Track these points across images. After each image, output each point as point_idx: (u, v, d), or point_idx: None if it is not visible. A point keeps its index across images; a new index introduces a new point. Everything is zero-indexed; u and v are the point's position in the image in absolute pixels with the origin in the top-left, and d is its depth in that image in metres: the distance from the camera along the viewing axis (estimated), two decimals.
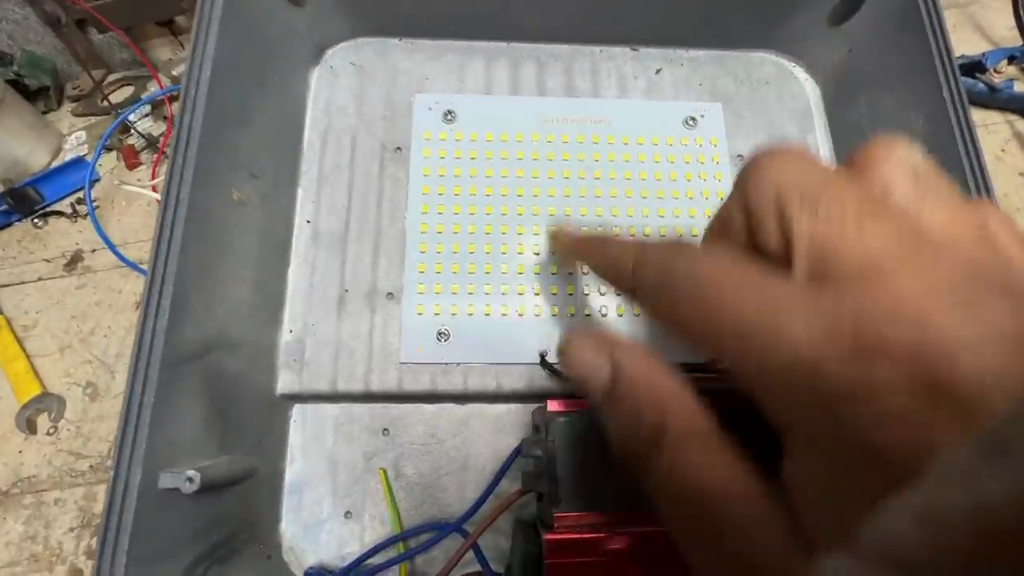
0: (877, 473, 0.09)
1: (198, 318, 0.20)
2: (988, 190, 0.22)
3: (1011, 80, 0.38)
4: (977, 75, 0.38)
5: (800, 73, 0.30)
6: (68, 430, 0.34)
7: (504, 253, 0.26)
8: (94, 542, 0.31)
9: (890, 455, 0.09)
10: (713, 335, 0.12)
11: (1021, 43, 0.42)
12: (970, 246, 0.12)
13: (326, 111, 0.28)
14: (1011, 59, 0.39)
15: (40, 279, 0.41)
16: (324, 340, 0.25)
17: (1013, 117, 0.39)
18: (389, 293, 0.25)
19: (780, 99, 0.29)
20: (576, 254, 0.20)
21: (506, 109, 0.28)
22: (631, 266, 0.14)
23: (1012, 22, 0.43)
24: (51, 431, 0.34)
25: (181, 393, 0.20)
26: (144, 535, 0.18)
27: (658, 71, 0.29)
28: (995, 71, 0.39)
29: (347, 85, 0.28)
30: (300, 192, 0.26)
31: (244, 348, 0.23)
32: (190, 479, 0.18)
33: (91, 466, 0.33)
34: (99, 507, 0.32)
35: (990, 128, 0.39)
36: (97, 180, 0.47)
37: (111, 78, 0.57)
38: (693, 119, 0.28)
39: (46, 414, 0.34)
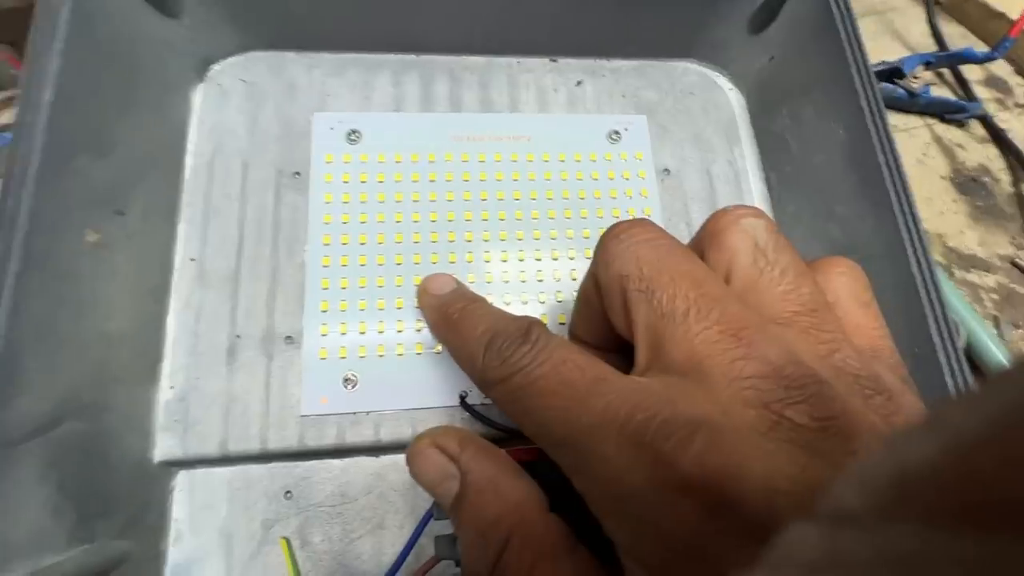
0: None
1: (39, 388, 0.17)
2: (908, 197, 0.21)
3: (928, 85, 0.39)
4: (896, 80, 0.39)
5: (724, 82, 0.29)
6: None
7: (417, 285, 0.23)
8: None
9: (689, 569, 0.10)
10: (547, 446, 0.12)
11: (936, 48, 0.43)
12: (797, 331, 0.12)
13: (212, 134, 0.25)
14: (927, 64, 0.40)
15: None
16: (212, 395, 0.22)
17: (932, 121, 0.40)
18: (288, 337, 0.22)
19: (705, 110, 0.28)
20: (434, 332, 0.20)
21: (416, 127, 0.26)
22: (480, 359, 0.14)
23: (927, 28, 0.45)
24: None
25: (16, 481, 0.16)
26: None
27: (579, 83, 0.28)
28: (913, 76, 0.39)
29: (237, 104, 0.25)
30: (182, 227, 0.23)
31: (109, 414, 0.19)
32: None
33: None
34: None
35: (912, 132, 0.39)
36: None
37: (1, 96, 0.51)
38: (617, 133, 0.27)
39: None
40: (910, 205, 0.21)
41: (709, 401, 0.10)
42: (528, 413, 0.12)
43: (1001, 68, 0.42)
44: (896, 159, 0.22)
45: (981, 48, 0.39)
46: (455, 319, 0.17)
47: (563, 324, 0.24)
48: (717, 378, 0.11)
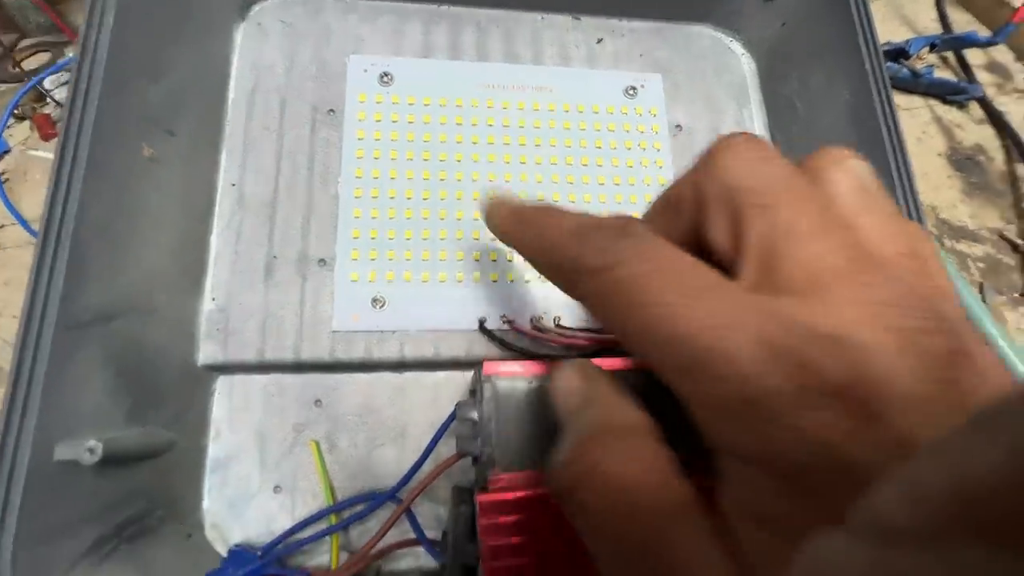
0: (808, 502, 0.09)
1: (100, 282, 0.19)
2: (906, 163, 0.23)
3: (931, 66, 0.41)
4: (901, 61, 0.40)
5: (737, 47, 0.31)
6: None
7: (442, 219, 0.25)
8: None
9: (821, 483, 0.09)
10: (650, 345, 0.11)
11: (942, 32, 0.44)
12: (907, 270, 0.12)
13: (252, 70, 0.26)
14: (932, 46, 0.41)
15: None
16: (250, 308, 0.23)
17: (933, 102, 0.41)
18: (321, 260, 0.24)
19: (717, 73, 0.30)
20: (510, 233, 0.17)
21: (446, 73, 0.27)
22: (573, 253, 0.13)
23: (935, 14, 0.46)
24: None
25: (81, 360, 0.18)
26: (36, 513, 0.16)
27: (599, 40, 0.29)
28: (918, 57, 0.41)
29: (276, 44, 0.27)
30: (224, 154, 0.25)
31: (160, 316, 0.21)
32: (91, 450, 0.17)
33: None
34: None
35: (913, 112, 0.41)
36: (7, 152, 0.43)
37: (25, 43, 0.52)
38: (633, 88, 0.29)
39: None
40: (906, 166, 0.23)
41: (842, 318, 0.10)
42: (630, 307, 0.11)
43: (1003, 55, 0.44)
44: (896, 122, 0.24)
45: (986, 35, 0.41)
46: (534, 216, 0.15)
47: None
48: (846, 299, 0.10)
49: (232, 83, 0.26)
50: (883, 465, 0.09)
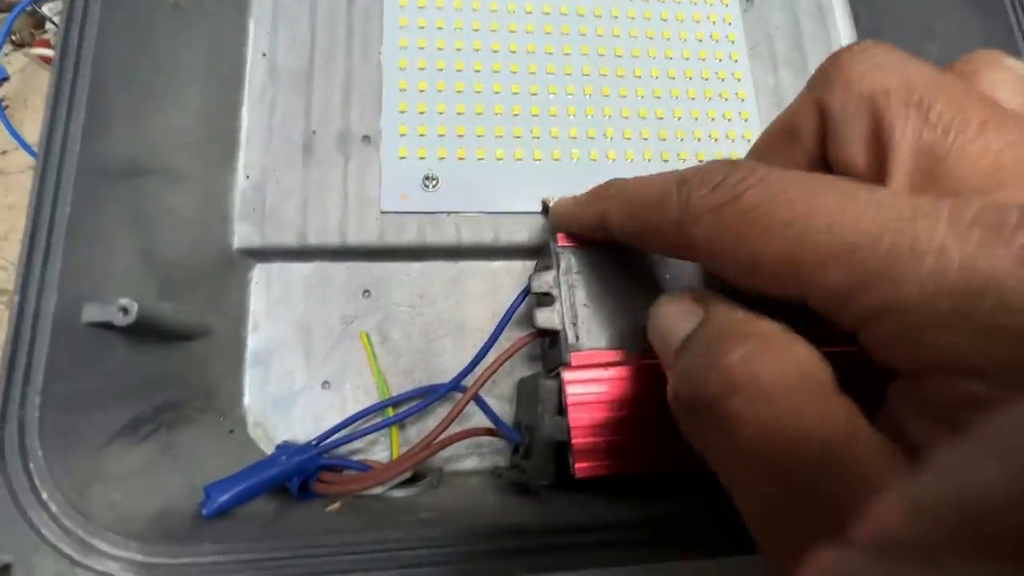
0: None
1: (125, 128, 0.16)
2: None
3: None
4: None
5: None
6: None
7: (497, 92, 0.22)
8: None
9: None
10: (805, 270, 0.09)
11: None
12: None
13: None
14: None
15: None
16: (289, 188, 0.21)
17: None
18: (365, 136, 0.22)
19: None
20: (587, 211, 0.15)
21: None
22: (674, 194, 0.11)
23: None
24: None
25: (107, 213, 0.16)
26: (65, 377, 0.14)
27: None
28: None
29: None
30: (252, 22, 0.22)
31: (190, 185, 0.19)
32: (124, 309, 0.15)
33: None
34: None
35: None
36: (6, 79, 0.40)
37: None
38: None
39: None
40: None
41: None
42: (769, 233, 0.10)
43: None
44: None
45: None
46: (621, 185, 0.14)
47: (645, 139, 0.23)
48: None
49: None
50: None
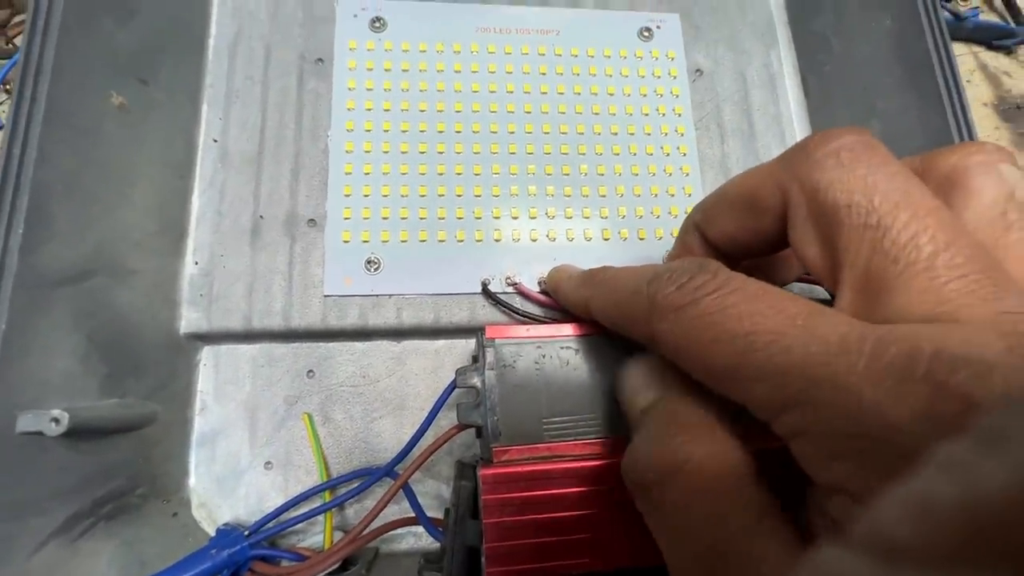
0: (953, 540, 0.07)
1: (67, 237, 0.17)
2: (957, 81, 0.20)
3: (976, 9, 0.37)
4: (943, 3, 0.37)
5: None
6: None
7: (441, 174, 0.23)
8: None
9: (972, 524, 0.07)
10: (745, 380, 0.10)
11: None
12: None
13: (234, 17, 0.24)
14: None
15: None
16: (236, 273, 0.22)
17: (978, 48, 0.38)
18: (311, 220, 0.22)
19: (742, 10, 0.27)
20: (577, 293, 0.17)
21: (443, 17, 0.25)
22: (644, 290, 0.12)
23: None
24: None
25: (46, 323, 0.17)
26: None
27: None
28: (960, 0, 0.37)
29: None
30: (205, 108, 0.23)
31: (137, 279, 0.20)
32: (56, 420, 0.16)
33: None
34: None
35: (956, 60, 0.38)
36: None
37: (17, 19, 0.51)
38: (648, 30, 0.26)
39: None
40: (959, 92, 0.20)
41: (986, 345, 0.09)
42: (718, 341, 0.10)
43: None
44: (947, 45, 0.21)
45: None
46: (605, 275, 0.15)
47: (587, 218, 0.23)
48: (986, 329, 0.09)
49: (212, 31, 0.24)
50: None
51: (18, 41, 0.47)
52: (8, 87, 0.43)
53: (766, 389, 0.10)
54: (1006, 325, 0.09)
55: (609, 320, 0.15)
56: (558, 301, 0.18)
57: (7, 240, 0.16)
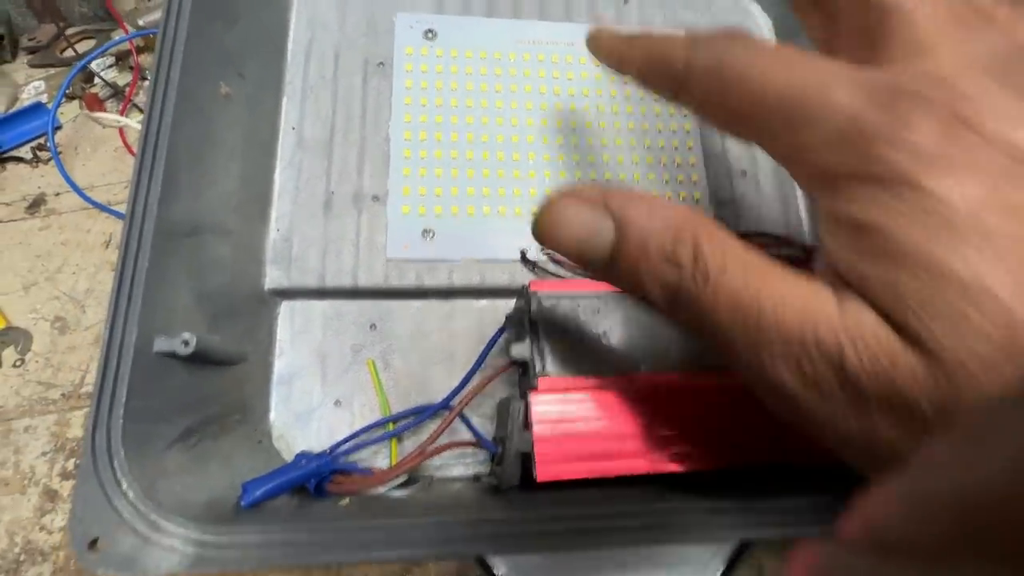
0: (917, 205, 0.10)
1: (188, 198, 0.21)
2: None
3: None
4: None
5: (755, 9, 0.33)
6: (36, 362, 0.33)
7: (485, 159, 0.27)
8: (69, 464, 0.30)
9: (925, 181, 0.10)
10: (759, 116, 0.13)
11: None
12: (1011, 24, 0.12)
13: (309, 26, 0.28)
14: None
15: None
16: (311, 238, 0.25)
17: None
18: (375, 196, 0.26)
19: (747, 28, 0.32)
20: (619, 53, 0.18)
21: (483, 29, 0.29)
22: (683, 53, 0.14)
23: None
24: (18, 363, 0.33)
25: (174, 264, 0.20)
26: (140, 395, 0.18)
27: (626, 1, 0.31)
28: None
29: (329, 2, 0.29)
30: (285, 100, 0.27)
31: (233, 238, 0.23)
32: (185, 342, 0.19)
33: (63, 394, 0.32)
34: (72, 432, 0.31)
35: None
36: (59, 127, 0.46)
37: (69, 32, 0.55)
38: None
39: (12, 347, 0.33)
40: None
41: (939, 65, 0.11)
42: (741, 84, 0.13)
43: None
44: None
45: None
46: (640, 37, 0.17)
47: None
48: (948, 53, 0.12)
49: (291, 37, 0.28)
50: (972, 161, 0.10)
51: (68, 53, 0.51)
52: (69, 91, 0.47)
53: (776, 115, 0.12)
54: (964, 47, 0.12)
55: (645, 78, 0.16)
56: (596, 51, 0.19)
57: (148, 195, 0.19)
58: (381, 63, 0.28)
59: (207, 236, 0.22)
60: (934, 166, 0.10)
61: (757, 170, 0.29)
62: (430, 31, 0.29)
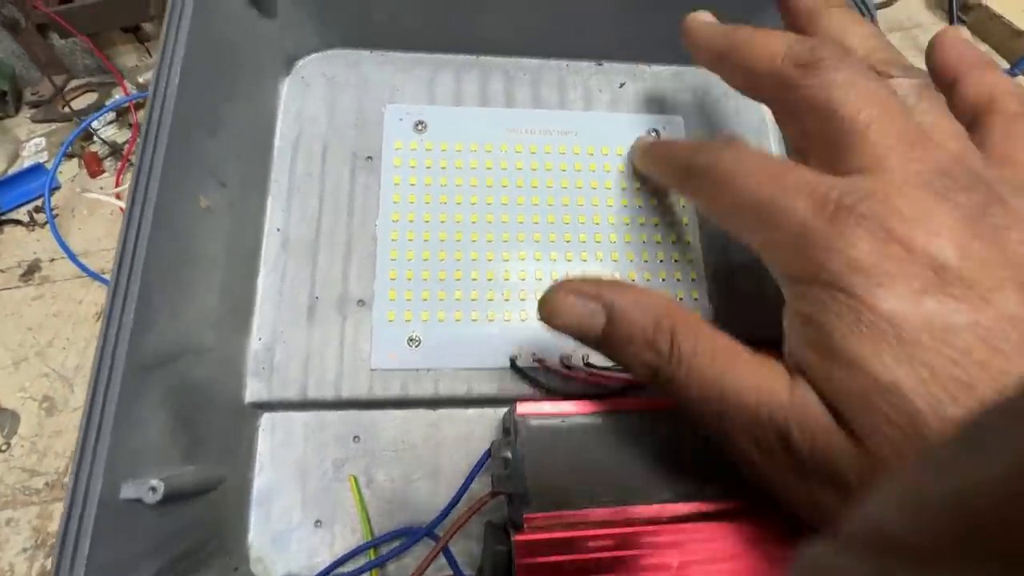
0: (843, 304, 0.13)
1: (163, 325, 0.20)
2: None
3: None
4: None
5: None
6: (22, 446, 0.32)
7: (474, 260, 0.26)
8: (48, 563, 0.30)
9: (856, 290, 0.13)
10: (739, 213, 0.16)
11: None
12: (957, 147, 0.15)
13: (297, 120, 0.28)
14: None
15: None
16: (294, 347, 0.25)
17: None
18: (360, 300, 0.25)
19: (737, 112, 0.31)
20: (649, 159, 0.25)
21: (475, 120, 0.29)
22: (687, 154, 0.19)
23: None
24: (3, 447, 0.32)
25: (145, 402, 0.19)
26: (104, 546, 0.17)
27: (622, 85, 0.31)
28: None
29: (318, 95, 0.28)
30: (270, 200, 0.26)
31: (212, 355, 0.23)
32: (153, 489, 0.18)
33: (47, 483, 0.31)
34: (54, 526, 0.30)
35: None
36: (57, 188, 0.46)
37: (73, 84, 0.55)
38: (656, 131, 0.30)
39: None
40: None
41: (887, 181, 0.13)
42: (727, 187, 0.17)
43: (1021, 87, 0.44)
44: None
45: (1004, 66, 0.41)
46: (657, 145, 0.25)
47: None
48: (897, 168, 0.14)
49: (278, 133, 0.27)
50: (904, 270, 0.12)
51: (74, 105, 0.51)
52: (68, 150, 0.47)
53: (750, 216, 0.16)
54: (913, 165, 0.14)
55: (661, 174, 0.23)
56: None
57: (119, 334, 0.19)
58: (369, 157, 0.28)
59: (184, 361, 0.21)
60: (868, 278, 0.13)
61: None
62: (420, 123, 0.28)
